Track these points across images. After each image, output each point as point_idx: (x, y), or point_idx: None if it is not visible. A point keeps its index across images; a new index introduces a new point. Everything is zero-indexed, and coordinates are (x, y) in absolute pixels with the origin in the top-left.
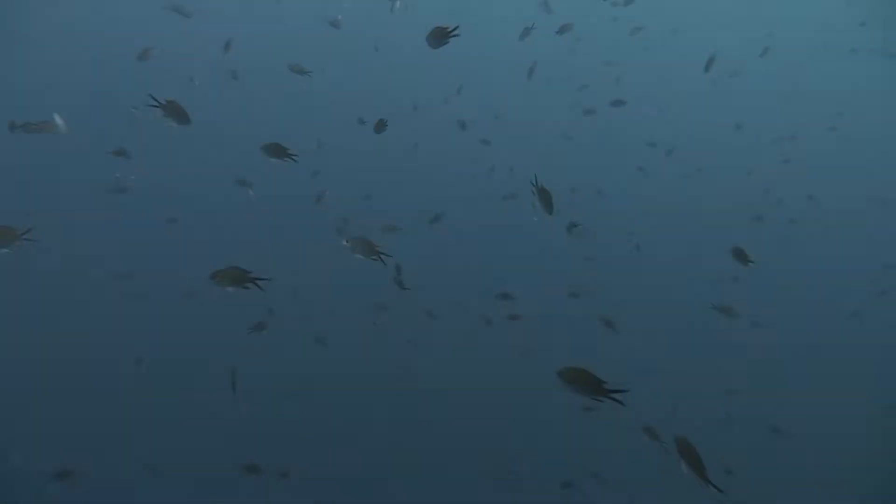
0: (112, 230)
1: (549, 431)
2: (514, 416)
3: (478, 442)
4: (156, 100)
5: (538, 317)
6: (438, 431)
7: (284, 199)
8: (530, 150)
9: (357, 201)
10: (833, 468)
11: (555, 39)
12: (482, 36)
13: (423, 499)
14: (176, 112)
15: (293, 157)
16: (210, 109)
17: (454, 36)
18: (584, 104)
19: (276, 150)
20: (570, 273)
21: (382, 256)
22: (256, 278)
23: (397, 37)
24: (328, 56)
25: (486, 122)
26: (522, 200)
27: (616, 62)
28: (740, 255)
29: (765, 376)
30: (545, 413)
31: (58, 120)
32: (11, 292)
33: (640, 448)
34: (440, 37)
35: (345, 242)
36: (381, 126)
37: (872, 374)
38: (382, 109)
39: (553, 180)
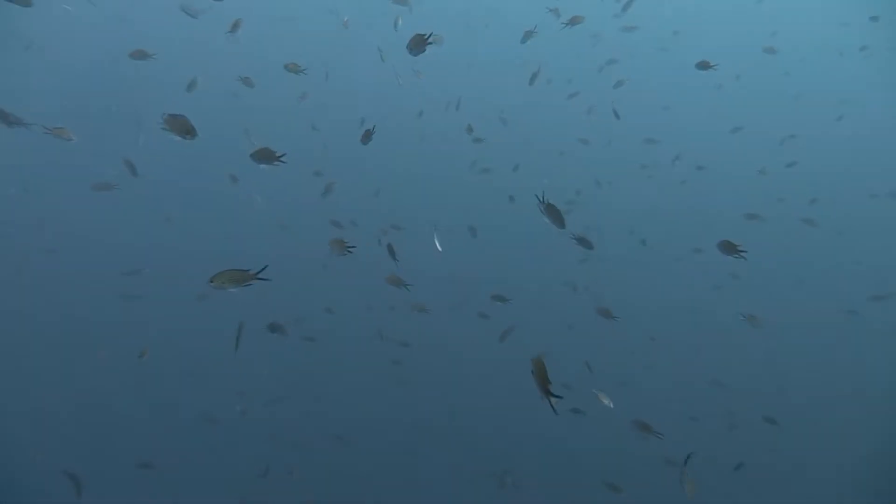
0: (114, 229)
1: (547, 432)
2: (514, 418)
3: (477, 443)
4: (165, 119)
5: (541, 317)
6: (438, 432)
7: (290, 198)
8: (533, 151)
9: (363, 201)
10: (834, 465)
11: (558, 42)
12: (486, 39)
13: (421, 500)
14: (183, 128)
15: (282, 161)
16: (214, 110)
17: (430, 44)
18: (587, 105)
19: (266, 155)
20: (572, 272)
21: (351, 250)
22: (256, 275)
23: (403, 40)
24: (334, 58)
25: (492, 125)
26: (525, 201)
27: (618, 63)
28: (730, 248)
29: (765, 374)
30: (544, 414)
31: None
32: (10, 292)
33: (639, 448)
34: (419, 44)
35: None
36: (367, 136)
37: (874, 373)
38: (387, 112)
39: (556, 181)
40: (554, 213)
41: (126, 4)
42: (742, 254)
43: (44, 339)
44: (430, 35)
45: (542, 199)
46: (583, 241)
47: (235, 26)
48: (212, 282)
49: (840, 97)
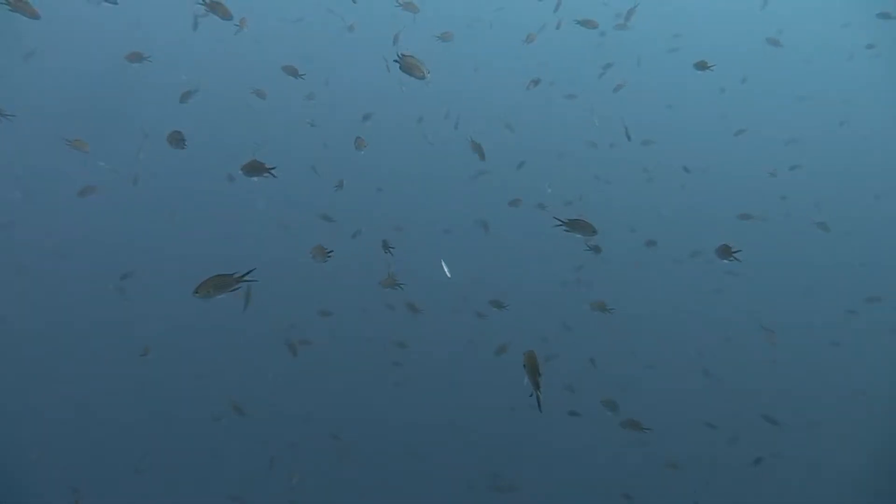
0: (115, 230)
1: (548, 435)
2: (514, 419)
3: (477, 444)
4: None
5: (541, 318)
6: (437, 434)
7: (292, 198)
8: (535, 152)
9: (367, 200)
10: (834, 465)
11: (562, 45)
12: (490, 41)
13: (421, 501)
14: (176, 140)
15: (272, 173)
16: (217, 111)
17: (397, 61)
18: (593, 109)
19: (255, 168)
20: (573, 275)
21: (331, 254)
22: (242, 277)
23: (407, 45)
24: (338, 60)
25: (497, 129)
26: (527, 203)
27: (623, 65)
28: (726, 252)
29: (766, 374)
30: (544, 416)
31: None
32: (11, 292)
33: (640, 451)
34: (411, 66)
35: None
36: (360, 144)
37: (875, 373)
38: (390, 113)
39: (558, 183)
40: (579, 226)
41: (127, 6)
42: (736, 255)
43: (44, 339)
44: (400, 57)
45: (561, 221)
46: (594, 248)
47: (242, 23)
48: (196, 292)
49: (844, 97)
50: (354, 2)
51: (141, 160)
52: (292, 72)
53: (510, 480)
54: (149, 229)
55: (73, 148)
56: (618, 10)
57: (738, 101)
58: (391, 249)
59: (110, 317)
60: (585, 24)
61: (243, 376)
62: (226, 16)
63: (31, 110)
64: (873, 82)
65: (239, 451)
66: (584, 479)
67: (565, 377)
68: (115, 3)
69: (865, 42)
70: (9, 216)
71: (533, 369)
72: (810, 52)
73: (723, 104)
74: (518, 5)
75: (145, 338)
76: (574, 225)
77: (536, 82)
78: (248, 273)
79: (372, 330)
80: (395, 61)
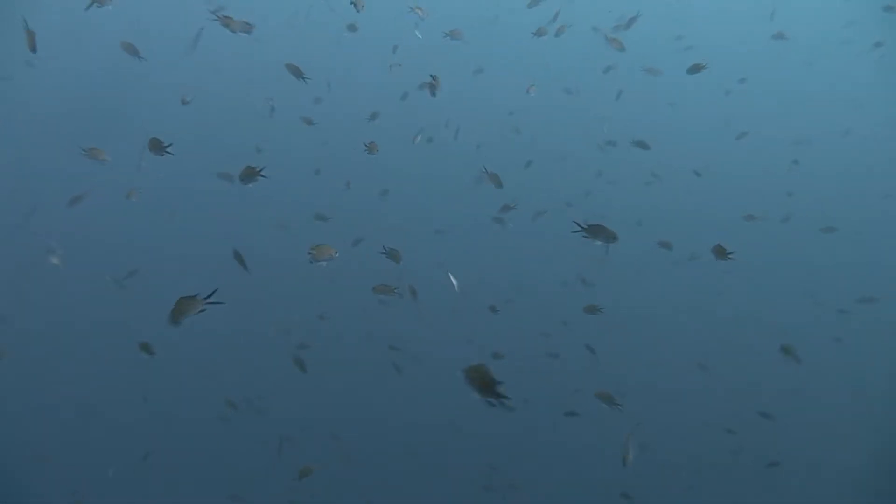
0: (115, 230)
1: (547, 435)
2: (513, 419)
3: (477, 444)
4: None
5: (541, 319)
6: (437, 434)
7: (292, 198)
8: (538, 155)
9: (370, 201)
10: (834, 465)
11: (562, 49)
12: (492, 43)
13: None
14: (156, 147)
15: (263, 175)
16: (220, 111)
17: (433, 84)
18: (595, 111)
19: (248, 173)
20: (575, 275)
21: (312, 253)
22: (207, 298)
23: (412, 50)
24: (342, 62)
25: (500, 132)
26: (525, 209)
27: (623, 68)
28: (721, 253)
29: (766, 373)
30: (543, 417)
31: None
32: (11, 293)
33: (640, 452)
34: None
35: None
36: (372, 149)
37: (876, 373)
38: (392, 119)
39: (561, 186)
40: (600, 231)
41: (127, 8)
42: (731, 255)
43: (44, 339)
44: (434, 79)
45: (581, 226)
46: (605, 250)
47: (247, 27)
48: (172, 320)
49: (849, 96)
50: (358, 11)
51: (143, 168)
52: (296, 72)
53: (510, 480)
54: (149, 229)
55: (89, 157)
56: (621, 13)
57: (743, 103)
58: (395, 253)
59: (110, 317)
60: (612, 42)
61: (243, 376)
62: (239, 30)
63: (33, 112)
64: (878, 81)
65: (239, 451)
66: (584, 479)
67: (566, 377)
68: (101, 6)
69: (871, 40)
70: (9, 217)
71: (483, 385)
72: (814, 52)
73: (727, 106)
74: (520, 7)
75: (145, 338)
76: (594, 231)
77: (532, 87)
78: (213, 293)
79: (372, 330)
80: (430, 84)
